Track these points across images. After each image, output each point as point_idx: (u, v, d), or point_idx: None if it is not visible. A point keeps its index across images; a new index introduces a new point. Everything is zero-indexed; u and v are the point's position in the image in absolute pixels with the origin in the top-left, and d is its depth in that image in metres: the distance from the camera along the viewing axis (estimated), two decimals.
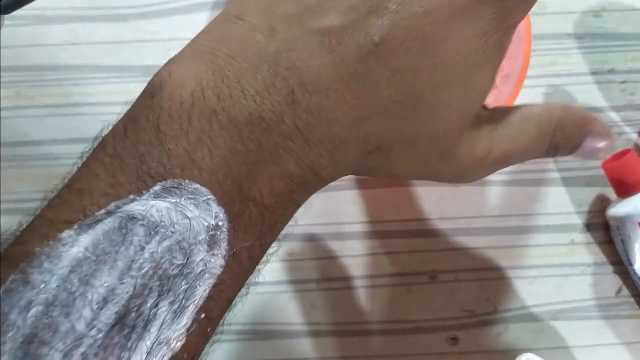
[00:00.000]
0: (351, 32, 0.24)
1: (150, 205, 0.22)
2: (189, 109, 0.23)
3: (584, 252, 0.47)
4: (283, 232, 0.47)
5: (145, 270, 0.22)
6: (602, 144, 0.30)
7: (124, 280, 0.21)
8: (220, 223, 0.23)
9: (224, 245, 0.23)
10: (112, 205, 0.22)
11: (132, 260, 0.22)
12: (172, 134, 0.23)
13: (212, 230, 0.23)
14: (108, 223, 0.22)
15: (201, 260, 0.22)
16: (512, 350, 0.46)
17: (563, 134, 0.30)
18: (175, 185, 0.22)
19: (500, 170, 0.47)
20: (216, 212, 0.23)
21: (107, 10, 0.50)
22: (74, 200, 0.23)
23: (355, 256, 0.47)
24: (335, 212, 0.47)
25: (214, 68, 0.24)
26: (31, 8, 0.36)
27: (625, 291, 0.46)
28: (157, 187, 0.22)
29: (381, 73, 0.24)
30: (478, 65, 0.26)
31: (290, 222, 0.47)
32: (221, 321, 0.25)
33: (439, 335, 0.47)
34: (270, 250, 0.27)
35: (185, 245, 0.22)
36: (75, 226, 0.22)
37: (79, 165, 0.24)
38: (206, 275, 0.22)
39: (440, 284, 0.47)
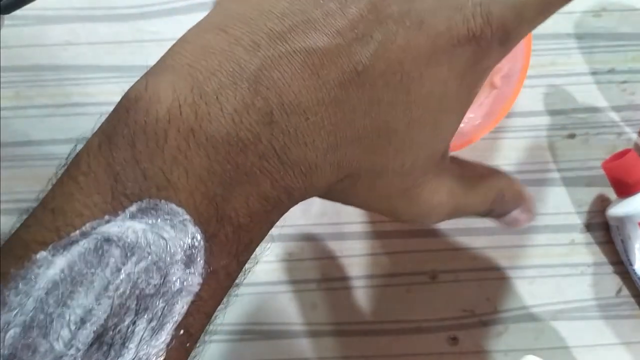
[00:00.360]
0: (336, 57, 0.24)
1: (127, 227, 0.22)
2: (165, 125, 0.22)
3: (584, 252, 0.47)
4: (283, 232, 0.47)
5: (122, 290, 0.21)
6: (524, 217, 0.35)
7: (101, 301, 0.21)
8: (196, 243, 0.23)
9: (200, 263, 0.23)
10: (87, 226, 0.22)
11: (109, 282, 0.21)
12: (147, 152, 0.22)
13: (188, 249, 0.22)
14: (83, 245, 0.22)
15: (178, 278, 0.22)
16: (512, 350, 0.46)
17: (501, 202, 0.33)
18: (151, 206, 0.22)
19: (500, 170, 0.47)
20: (192, 232, 0.22)
21: (107, 11, 0.50)
22: (47, 221, 0.22)
23: (355, 256, 0.47)
24: (335, 212, 0.47)
25: (192, 83, 0.23)
26: (31, 8, 0.36)
27: (625, 291, 0.46)
28: (133, 208, 0.22)
29: (359, 102, 0.24)
30: (449, 107, 0.27)
31: (291, 222, 0.47)
32: (202, 334, 0.25)
33: (439, 335, 0.47)
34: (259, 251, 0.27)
35: (161, 265, 0.22)
36: (50, 247, 0.22)
37: (54, 183, 0.24)
38: (184, 292, 0.22)
39: (440, 284, 0.47)
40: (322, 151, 0.24)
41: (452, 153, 0.31)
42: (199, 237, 0.22)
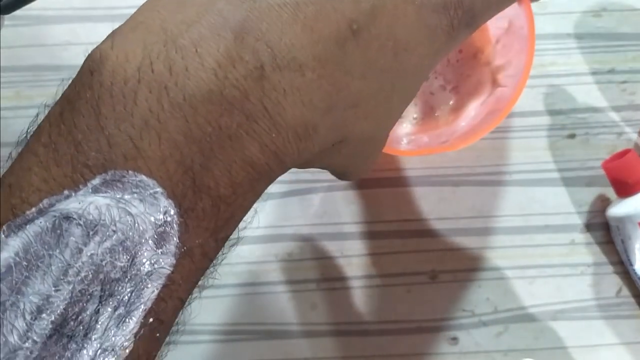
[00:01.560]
0: (329, 12, 0.22)
1: (88, 202, 0.19)
2: (134, 86, 0.20)
3: (584, 252, 0.47)
4: (283, 232, 0.47)
5: (83, 274, 0.19)
6: None
7: (60, 287, 0.19)
8: (169, 218, 0.20)
9: (174, 242, 0.20)
10: (44, 203, 0.19)
11: (69, 265, 0.19)
12: (114, 116, 0.20)
13: (160, 226, 0.20)
14: (40, 223, 0.19)
15: (148, 260, 0.20)
16: (512, 350, 0.46)
17: None
18: (117, 178, 0.20)
19: (500, 170, 0.47)
20: (165, 207, 0.20)
21: (107, 11, 0.50)
22: (3, 198, 0.20)
23: (355, 256, 0.47)
24: (335, 212, 0.47)
25: (165, 37, 0.20)
26: (31, 8, 0.36)
27: (625, 291, 0.46)
28: (96, 181, 0.20)
29: (356, 63, 0.23)
30: (419, 82, 0.27)
31: (290, 222, 0.47)
32: (175, 321, 0.22)
33: (439, 335, 0.47)
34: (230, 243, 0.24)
35: (129, 245, 0.20)
36: (4, 228, 0.19)
37: (14, 158, 0.22)
38: (154, 275, 0.20)
39: (440, 284, 0.47)
40: (320, 112, 0.22)
41: (452, 152, 0.31)
42: (172, 212, 0.20)
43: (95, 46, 0.22)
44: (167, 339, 0.22)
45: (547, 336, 0.46)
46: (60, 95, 0.22)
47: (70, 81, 0.22)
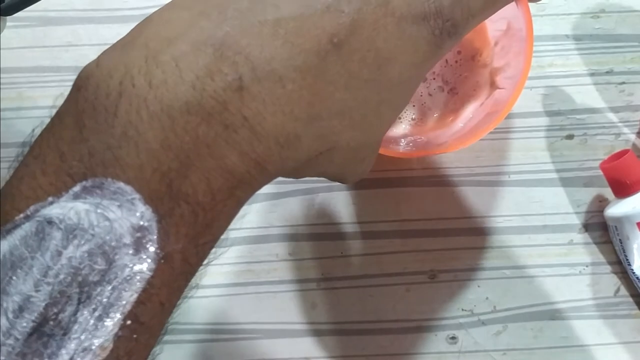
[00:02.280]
0: (309, 27, 0.22)
1: (69, 208, 0.20)
2: (115, 99, 0.21)
3: (583, 252, 0.47)
4: (283, 231, 0.47)
5: (62, 277, 0.20)
6: None
7: (40, 288, 0.20)
8: (146, 224, 0.21)
9: (152, 247, 0.21)
10: (31, 209, 0.21)
11: (49, 267, 0.20)
12: (95, 128, 0.21)
13: (137, 231, 0.21)
14: (25, 228, 0.20)
15: (126, 264, 0.21)
16: (511, 349, 0.46)
17: None
18: (97, 185, 0.21)
19: (499, 171, 0.47)
20: (142, 212, 0.21)
21: (108, 12, 0.50)
22: (2, 207, 0.21)
23: (355, 256, 0.47)
24: (335, 212, 0.48)
25: (146, 54, 0.21)
26: (33, 10, 0.36)
27: (623, 291, 0.47)
28: (77, 188, 0.21)
29: (338, 74, 0.23)
30: (408, 91, 0.27)
31: (291, 222, 0.48)
32: (163, 324, 0.23)
33: (439, 335, 0.47)
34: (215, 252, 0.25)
35: (107, 249, 0.20)
36: None
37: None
38: (133, 279, 0.21)
39: (439, 283, 0.47)
40: (302, 121, 0.23)
41: (451, 152, 0.31)
42: (149, 216, 0.21)
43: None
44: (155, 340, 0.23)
45: (545, 335, 0.46)
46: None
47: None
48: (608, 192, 0.46)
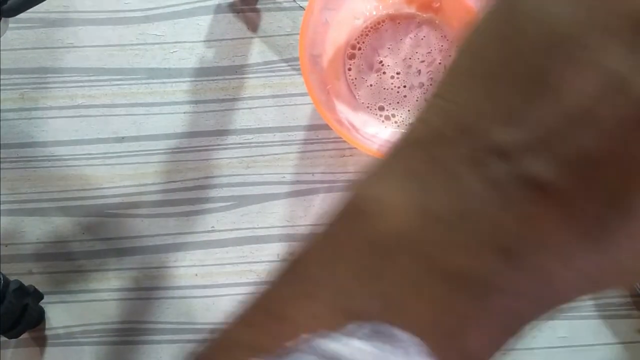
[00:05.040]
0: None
1: (354, 347, 0.18)
2: (394, 246, 0.19)
3: None
4: (284, 232, 0.48)
5: None
6: None
7: None
8: None
9: None
10: (305, 339, 0.19)
11: None
12: (375, 270, 0.19)
13: None
14: (307, 357, 0.18)
15: None
16: (510, 349, 0.46)
17: None
18: (387, 331, 0.19)
19: None
20: None
21: (110, 14, 0.51)
22: (272, 327, 0.19)
23: None
24: None
25: (421, 202, 0.20)
26: (35, 11, 0.37)
27: (623, 291, 0.47)
28: (366, 329, 0.19)
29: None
30: None
31: (291, 222, 0.48)
32: None
33: None
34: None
35: None
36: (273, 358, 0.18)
37: (273, 279, 0.21)
38: None
39: None
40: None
41: None
42: None
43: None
44: None
45: (545, 335, 0.47)
46: (325, 222, 0.21)
47: (329, 215, 0.21)
48: None
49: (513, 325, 0.21)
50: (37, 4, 0.34)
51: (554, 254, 0.19)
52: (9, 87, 0.50)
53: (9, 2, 0.33)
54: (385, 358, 0.18)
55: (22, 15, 0.34)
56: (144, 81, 0.49)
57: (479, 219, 0.19)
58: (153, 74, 0.49)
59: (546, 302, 0.22)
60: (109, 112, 0.49)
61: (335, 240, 0.21)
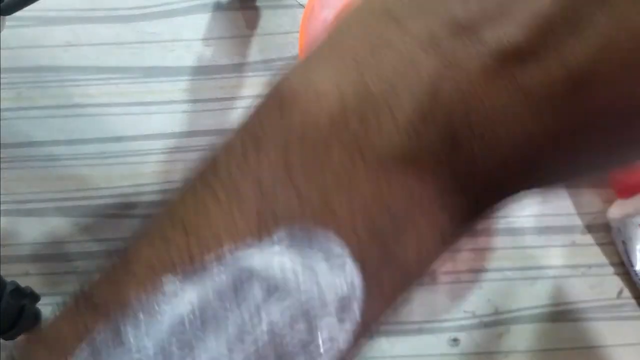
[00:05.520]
0: (540, 58, 0.17)
1: (274, 259, 0.17)
2: (326, 137, 0.17)
3: (585, 254, 0.47)
4: None
5: (260, 343, 0.16)
6: None
7: (234, 351, 0.16)
8: (355, 290, 0.17)
9: (354, 317, 0.18)
10: (225, 252, 0.17)
11: (245, 328, 0.17)
12: (303, 167, 0.17)
13: (344, 298, 0.17)
14: (219, 275, 0.17)
15: (328, 335, 0.17)
16: (513, 351, 0.46)
17: None
18: (305, 236, 0.17)
19: None
20: (351, 277, 0.17)
21: (107, 12, 0.50)
22: (179, 240, 0.17)
23: None
24: None
25: (360, 88, 0.18)
26: (32, 9, 0.36)
27: (626, 293, 0.46)
28: (283, 236, 0.17)
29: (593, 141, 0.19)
30: None
31: None
32: None
33: (440, 337, 0.46)
34: None
35: (311, 316, 0.17)
36: (179, 274, 0.17)
37: (183, 190, 0.19)
38: (329, 353, 0.17)
39: (440, 285, 0.47)
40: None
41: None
42: (358, 281, 0.17)
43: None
44: None
45: (548, 337, 0.46)
46: (240, 126, 0.19)
47: (252, 109, 0.19)
48: (611, 194, 0.46)
49: (450, 228, 0.19)
50: (34, 2, 0.34)
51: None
52: (6, 86, 0.50)
53: (5, 0, 0.33)
54: (303, 269, 0.17)
55: (19, 13, 0.34)
56: (141, 80, 0.49)
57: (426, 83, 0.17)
58: (151, 72, 0.49)
59: (494, 183, 0.20)
60: (106, 112, 0.49)
61: (260, 133, 0.18)
